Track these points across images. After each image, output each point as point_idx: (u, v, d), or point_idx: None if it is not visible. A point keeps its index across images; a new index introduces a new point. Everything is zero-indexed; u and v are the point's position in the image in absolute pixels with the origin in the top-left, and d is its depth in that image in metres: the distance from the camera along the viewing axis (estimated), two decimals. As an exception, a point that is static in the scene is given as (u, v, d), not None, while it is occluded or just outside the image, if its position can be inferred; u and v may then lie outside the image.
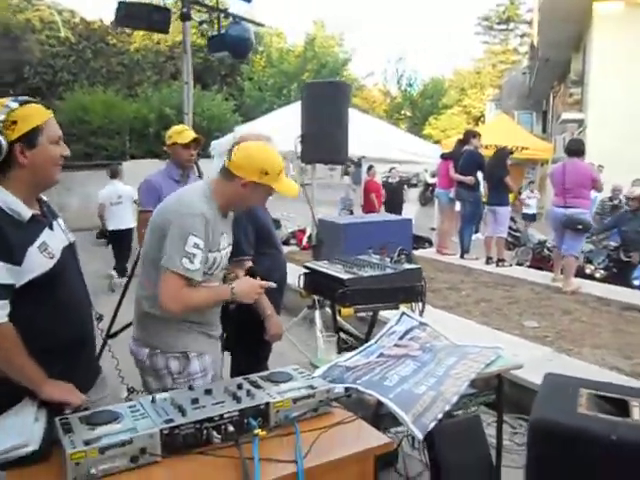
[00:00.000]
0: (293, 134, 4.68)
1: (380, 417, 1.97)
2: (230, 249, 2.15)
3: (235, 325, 2.50)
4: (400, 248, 2.88)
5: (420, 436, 1.79)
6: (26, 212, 1.68)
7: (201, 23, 4.46)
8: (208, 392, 1.69)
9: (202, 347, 2.07)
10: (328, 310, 3.94)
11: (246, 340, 2.63)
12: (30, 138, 1.66)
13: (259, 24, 5.75)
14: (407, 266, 2.77)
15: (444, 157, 8.52)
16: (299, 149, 4.41)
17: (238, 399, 1.62)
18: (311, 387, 1.74)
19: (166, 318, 1.99)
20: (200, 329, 2.07)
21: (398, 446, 2.85)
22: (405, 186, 13.13)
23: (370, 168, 11.63)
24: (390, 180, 12.55)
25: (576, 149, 6.20)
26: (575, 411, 1.70)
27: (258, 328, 2.52)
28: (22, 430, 1.53)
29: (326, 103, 4.17)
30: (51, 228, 1.78)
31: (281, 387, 1.74)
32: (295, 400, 1.67)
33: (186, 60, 3.95)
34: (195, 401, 1.61)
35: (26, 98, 1.70)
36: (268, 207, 2.78)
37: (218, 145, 3.56)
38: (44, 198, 1.87)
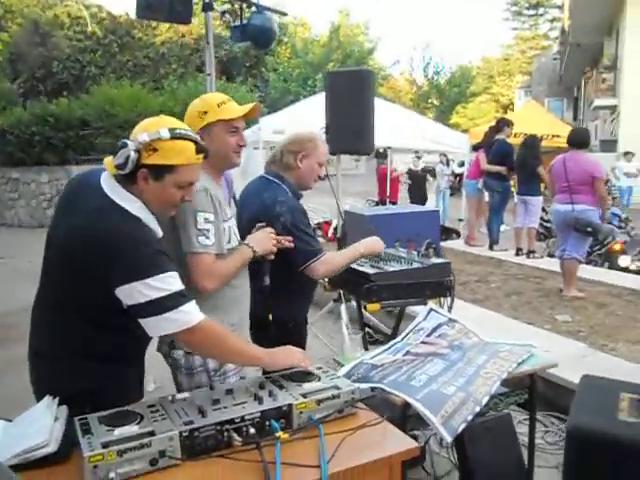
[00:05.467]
0: (318, 125, 4.59)
1: (407, 418, 1.90)
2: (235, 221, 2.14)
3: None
4: (428, 241, 2.78)
5: (449, 439, 1.72)
6: (159, 231, 1.71)
7: (224, 13, 4.38)
8: (229, 392, 1.64)
9: None
10: (354, 304, 3.87)
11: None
12: (158, 172, 1.62)
13: (282, 13, 5.66)
14: (435, 260, 2.68)
15: (476, 148, 8.37)
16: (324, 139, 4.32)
17: (260, 400, 1.57)
18: (336, 387, 1.68)
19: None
20: (232, 328, 2.02)
21: (425, 444, 2.78)
22: (428, 175, 13.01)
23: (377, 156, 11.68)
24: (412, 168, 12.50)
25: (579, 140, 5.43)
26: (616, 417, 1.59)
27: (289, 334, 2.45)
28: (42, 430, 1.51)
29: (350, 92, 4.06)
30: None
31: (304, 387, 1.67)
32: (319, 401, 1.61)
33: (208, 51, 3.90)
34: (216, 402, 1.56)
35: (183, 133, 1.63)
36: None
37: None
38: None
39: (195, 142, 1.66)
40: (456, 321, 2.49)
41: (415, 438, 2.58)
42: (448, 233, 9.37)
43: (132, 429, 1.44)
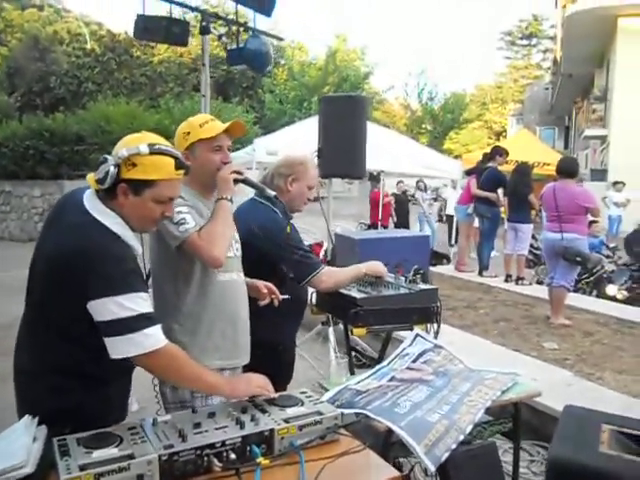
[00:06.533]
0: (312, 147, 4.64)
1: (390, 445, 1.89)
2: (238, 244, 2.15)
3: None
4: (416, 267, 2.80)
5: (432, 468, 1.71)
6: (139, 248, 1.72)
7: (220, 37, 4.46)
8: (211, 415, 1.63)
9: (224, 363, 2.05)
10: (342, 327, 3.87)
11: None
12: (137, 186, 1.64)
13: (278, 38, 5.75)
14: (422, 286, 2.69)
15: (469, 173, 8.48)
16: (315, 163, 4.36)
17: (241, 424, 1.55)
18: (319, 413, 1.67)
19: (192, 332, 1.98)
20: (225, 344, 2.05)
21: (410, 472, 2.75)
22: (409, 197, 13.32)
23: (370, 179, 12.07)
24: (396, 192, 12.84)
25: (568, 170, 5.52)
26: (596, 450, 1.59)
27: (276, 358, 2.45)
28: (20, 450, 1.48)
29: (344, 117, 4.12)
30: None
31: (287, 412, 1.67)
32: (301, 427, 1.60)
33: (204, 73, 3.95)
34: (197, 425, 1.55)
35: (162, 148, 1.66)
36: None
37: (235, 157, 3.54)
38: None
39: (175, 158, 1.68)
40: (442, 347, 2.49)
41: (400, 466, 2.57)
42: (438, 258, 9.41)
43: (111, 452, 1.42)
